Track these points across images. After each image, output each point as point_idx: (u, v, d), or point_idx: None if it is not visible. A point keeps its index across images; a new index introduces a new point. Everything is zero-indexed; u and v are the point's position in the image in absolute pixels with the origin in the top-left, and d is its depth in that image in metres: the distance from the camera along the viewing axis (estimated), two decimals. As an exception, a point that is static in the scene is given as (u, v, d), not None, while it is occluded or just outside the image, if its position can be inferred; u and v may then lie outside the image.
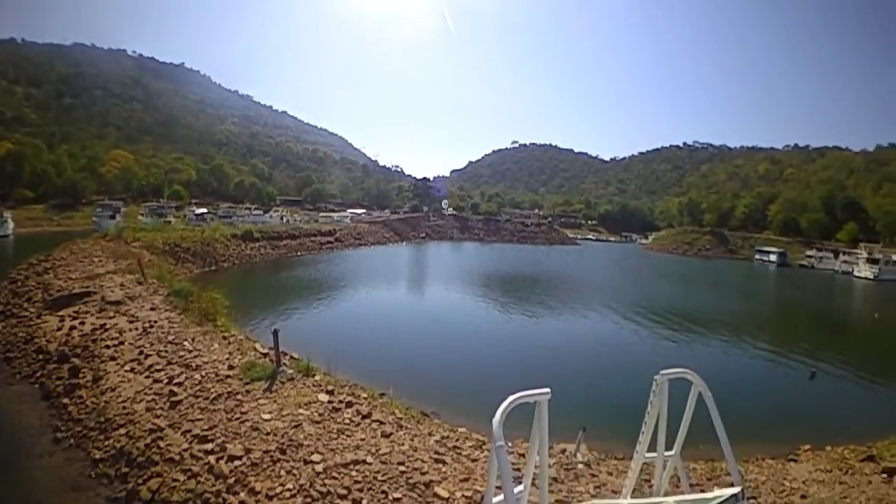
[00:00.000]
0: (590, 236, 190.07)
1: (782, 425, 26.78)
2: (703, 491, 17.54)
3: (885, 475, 20.95)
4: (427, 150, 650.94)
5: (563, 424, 19.81)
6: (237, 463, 14.43)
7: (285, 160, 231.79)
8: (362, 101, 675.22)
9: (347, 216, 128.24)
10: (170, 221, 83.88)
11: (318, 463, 14.37)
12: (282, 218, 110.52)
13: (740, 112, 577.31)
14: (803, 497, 18.68)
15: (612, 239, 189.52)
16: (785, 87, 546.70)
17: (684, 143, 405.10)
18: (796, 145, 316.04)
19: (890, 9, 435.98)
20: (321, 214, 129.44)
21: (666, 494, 7.32)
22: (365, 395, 19.86)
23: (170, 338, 24.30)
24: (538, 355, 36.33)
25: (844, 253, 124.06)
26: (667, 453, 7.26)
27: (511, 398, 5.33)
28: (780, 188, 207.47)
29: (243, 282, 56.78)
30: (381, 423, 17.29)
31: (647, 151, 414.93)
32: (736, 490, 5.12)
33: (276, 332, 21.44)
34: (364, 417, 17.50)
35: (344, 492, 13.32)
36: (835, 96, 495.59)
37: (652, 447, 7.69)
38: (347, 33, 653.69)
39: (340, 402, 18.45)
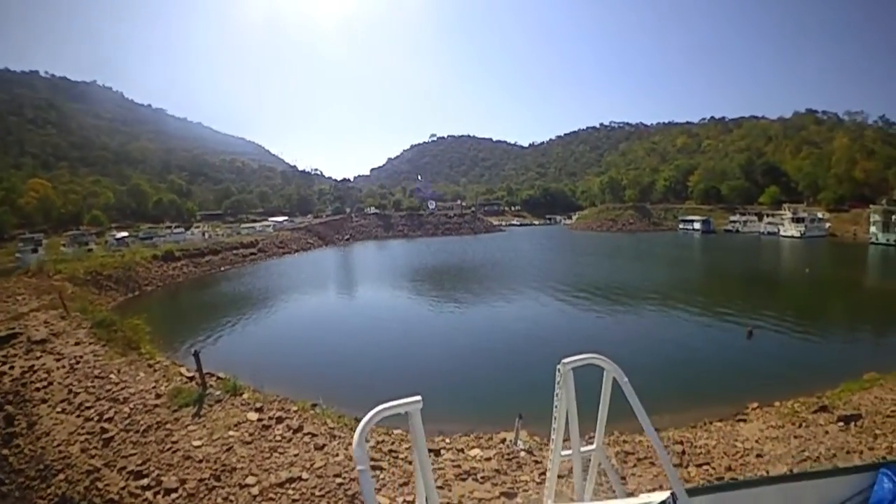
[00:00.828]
0: (514, 222, 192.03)
1: (727, 387, 26.75)
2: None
3: (841, 423, 20.91)
4: (345, 151, 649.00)
5: (501, 413, 20.10)
6: (174, 496, 14.22)
7: (203, 173, 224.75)
8: (276, 106, 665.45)
9: (269, 225, 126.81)
10: (91, 249, 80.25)
11: (253, 486, 14.38)
12: (203, 234, 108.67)
13: (656, 90, 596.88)
14: (759, 456, 18.41)
15: (537, 222, 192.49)
16: (698, 63, 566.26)
17: (601, 124, 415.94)
18: (712, 118, 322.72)
19: None
20: (243, 226, 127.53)
21: (595, 495, 6.81)
22: (295, 408, 19.93)
23: (96, 372, 24.03)
24: (471, 346, 36.22)
25: (768, 215, 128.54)
26: (585, 448, 6.55)
27: (373, 412, 4.32)
28: (698, 159, 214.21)
29: (168, 305, 55.95)
30: (314, 435, 17.41)
31: (565, 134, 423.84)
32: (664, 496, 4.55)
33: (196, 355, 21.48)
34: (296, 432, 17.58)
35: (282, 512, 13.19)
36: (750, 68, 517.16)
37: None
38: (258, 38, 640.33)
39: (270, 418, 18.55)
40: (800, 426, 20.78)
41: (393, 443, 17.61)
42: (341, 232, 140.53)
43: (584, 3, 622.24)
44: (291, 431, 17.47)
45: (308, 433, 17.41)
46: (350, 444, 15.73)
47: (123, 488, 14.64)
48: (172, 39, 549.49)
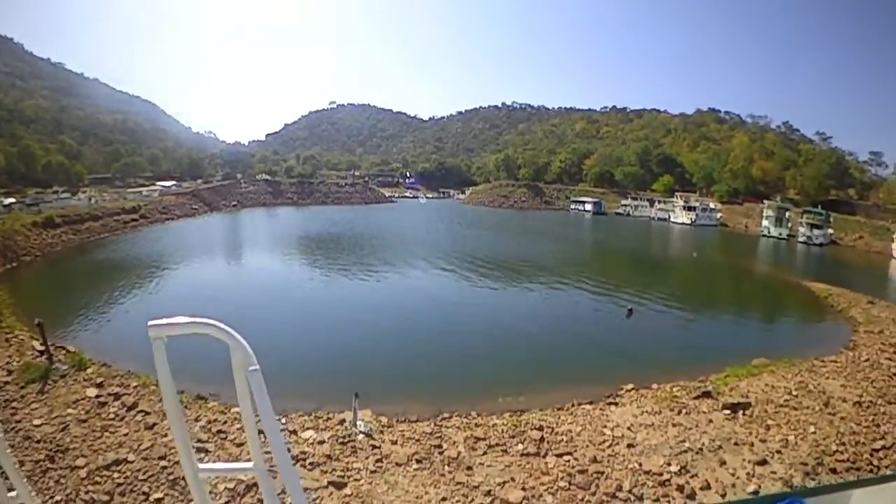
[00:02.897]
0: (407, 194, 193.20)
1: (600, 366, 25.70)
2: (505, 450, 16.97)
3: (727, 411, 20.13)
4: (242, 115, 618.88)
5: (357, 389, 18.70)
6: (8, 481, 10.74)
7: (94, 133, 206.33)
8: (175, 64, 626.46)
9: (157, 190, 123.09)
10: None
11: (82, 468, 14.32)
12: (90, 199, 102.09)
13: (561, 76, 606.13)
14: (630, 446, 17.04)
15: (430, 195, 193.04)
16: (603, 50, 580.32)
17: (503, 104, 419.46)
18: (614, 107, 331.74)
19: None
20: (129, 191, 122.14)
21: None
22: (136, 383, 20.06)
23: (-48, 348, 23.22)
24: (343, 318, 35.01)
25: (660, 201, 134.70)
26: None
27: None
28: (596, 145, 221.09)
29: (46, 275, 51.82)
30: (147, 413, 17.55)
31: (466, 111, 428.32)
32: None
33: (40, 325, 21.80)
34: (129, 409, 17.72)
35: (106, 497, 13.26)
36: (656, 63, 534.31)
37: None
38: None
39: (109, 394, 18.71)
40: (679, 413, 19.57)
41: (225, 422, 17.52)
42: (228, 198, 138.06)
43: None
44: (125, 409, 17.72)
45: (142, 411, 17.62)
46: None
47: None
48: None
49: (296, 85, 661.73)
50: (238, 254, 64.74)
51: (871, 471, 15.65)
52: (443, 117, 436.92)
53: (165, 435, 15.90)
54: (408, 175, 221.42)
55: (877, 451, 16.64)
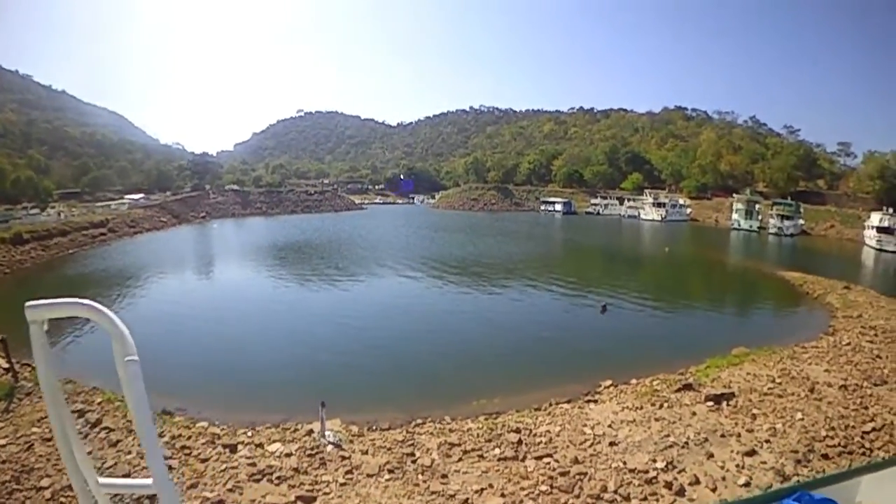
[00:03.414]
0: (377, 200, 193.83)
1: (578, 365, 25.30)
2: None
3: (711, 403, 19.55)
4: (210, 125, 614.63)
5: (311, 400, 18.56)
6: (-25, 504, 13.56)
7: (63, 147, 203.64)
8: (141, 75, 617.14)
9: (125, 203, 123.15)
10: None
11: (47, 488, 14.14)
12: (59, 214, 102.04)
13: (527, 77, 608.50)
14: (613, 444, 16.40)
15: (400, 201, 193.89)
16: (570, 51, 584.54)
17: (471, 107, 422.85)
18: (581, 108, 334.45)
19: None
20: (98, 205, 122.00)
21: None
22: (100, 399, 19.68)
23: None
24: (311, 326, 34.56)
25: (629, 199, 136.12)
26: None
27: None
28: (564, 146, 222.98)
29: (18, 292, 49.52)
30: (111, 430, 17.16)
31: (434, 116, 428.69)
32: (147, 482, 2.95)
33: (4, 342, 21.16)
34: (93, 426, 17.33)
35: (69, 519, 12.69)
36: (623, 63, 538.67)
37: None
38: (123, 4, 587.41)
39: (73, 411, 17.85)
40: (661, 407, 19.02)
41: (190, 437, 17.09)
42: (197, 209, 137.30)
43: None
44: (89, 426, 17.32)
45: (105, 427, 17.23)
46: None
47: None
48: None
49: (263, 94, 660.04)
50: (204, 266, 63.75)
51: (863, 454, 15.26)
52: (411, 123, 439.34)
53: (129, 452, 15.59)
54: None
55: (867, 433, 16.29)
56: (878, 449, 15.52)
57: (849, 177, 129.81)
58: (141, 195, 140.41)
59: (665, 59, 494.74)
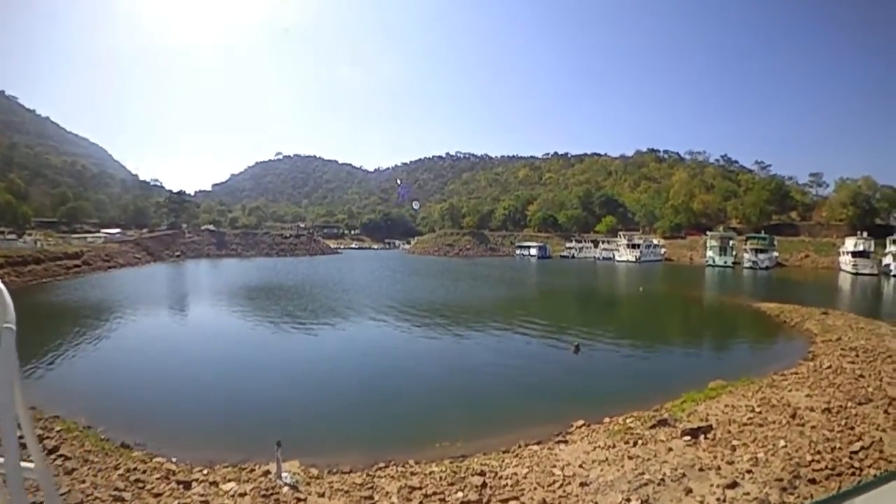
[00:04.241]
0: (353, 245, 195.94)
1: (549, 406, 24.54)
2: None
3: (688, 437, 18.14)
4: (190, 164, 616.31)
5: (272, 441, 17.27)
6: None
7: (43, 174, 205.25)
8: (124, 109, 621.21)
9: (101, 237, 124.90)
10: None
11: None
12: (36, 242, 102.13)
13: (503, 124, 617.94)
14: (584, 485, 15.23)
15: (376, 246, 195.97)
16: (544, 98, 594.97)
17: (447, 154, 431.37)
18: (556, 153, 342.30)
19: (644, 30, 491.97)
20: (75, 236, 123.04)
21: None
22: (60, 427, 19.54)
23: None
24: (277, 367, 33.46)
25: (604, 242, 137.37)
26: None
27: None
28: (539, 191, 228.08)
29: None
30: (68, 458, 16.95)
31: (411, 162, 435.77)
32: None
33: None
34: (50, 453, 16.99)
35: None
36: (596, 108, 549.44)
37: None
38: (117, 40, 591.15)
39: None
40: (635, 444, 17.94)
41: (145, 471, 16.52)
42: (172, 248, 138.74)
43: (436, 37, 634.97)
44: (46, 452, 16.74)
45: (62, 455, 16.90)
46: (101, 469, 16.14)
47: None
48: (32, 24, 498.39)
49: (243, 135, 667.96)
50: (175, 304, 63.20)
51: (853, 474, 14.33)
52: (388, 168, 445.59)
53: (83, 481, 15.27)
54: (399, 181, 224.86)
55: (856, 452, 15.34)
56: (869, 467, 14.59)
57: (821, 206, 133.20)
58: (117, 230, 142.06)
59: (637, 102, 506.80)
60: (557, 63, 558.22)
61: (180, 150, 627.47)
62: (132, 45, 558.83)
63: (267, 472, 16.73)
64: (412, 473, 17.09)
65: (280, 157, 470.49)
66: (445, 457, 18.49)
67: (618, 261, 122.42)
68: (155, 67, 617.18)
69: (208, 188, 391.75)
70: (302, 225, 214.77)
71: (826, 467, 14.61)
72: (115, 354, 36.55)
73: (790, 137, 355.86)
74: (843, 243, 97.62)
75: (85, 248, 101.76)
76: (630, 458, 16.59)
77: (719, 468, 15.15)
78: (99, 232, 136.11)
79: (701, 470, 15.17)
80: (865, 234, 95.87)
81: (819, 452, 15.44)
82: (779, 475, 14.28)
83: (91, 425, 20.35)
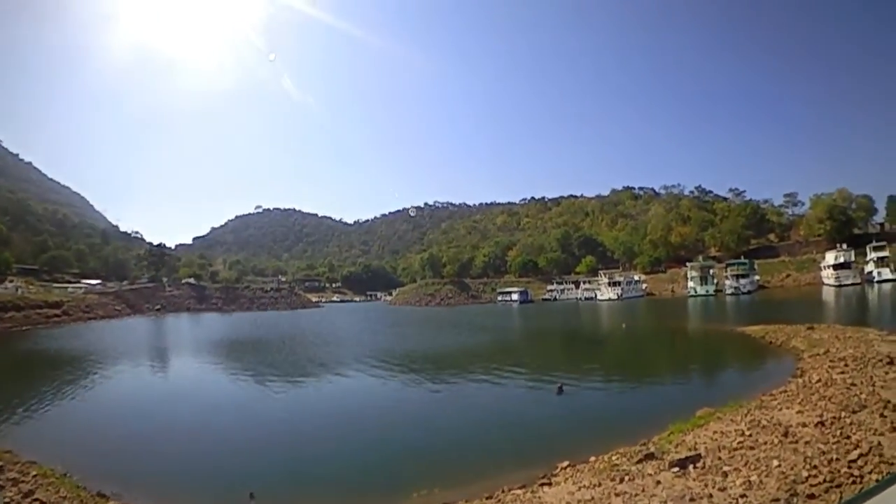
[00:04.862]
0: (334, 298, 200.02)
1: (533, 449, 23.78)
2: None
3: (676, 469, 16.78)
4: (169, 215, 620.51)
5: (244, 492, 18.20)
6: None
7: (25, 221, 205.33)
8: (107, 161, 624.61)
9: (81, 287, 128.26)
10: None
11: None
12: (17, 289, 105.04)
13: (478, 172, 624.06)
14: None
15: (358, 299, 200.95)
16: (519, 145, 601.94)
17: (425, 204, 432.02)
18: (532, 198, 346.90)
19: (611, 70, 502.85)
20: (56, 285, 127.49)
21: None
22: (35, 472, 19.75)
23: None
24: (252, 420, 33.12)
25: (585, 282, 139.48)
26: None
27: None
28: (518, 236, 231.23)
29: None
30: (43, 503, 17.25)
31: (390, 213, 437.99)
32: None
33: None
34: (25, 496, 17.39)
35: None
36: (570, 150, 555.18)
37: None
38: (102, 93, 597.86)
39: (7, 479, 18.67)
40: (622, 481, 16.86)
41: None
42: (152, 301, 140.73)
43: (409, 87, 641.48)
44: (21, 496, 17.41)
45: (37, 499, 17.28)
46: None
47: None
48: (22, 67, 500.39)
49: (222, 188, 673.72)
50: (155, 357, 63.25)
51: (854, 482, 13.45)
52: (367, 220, 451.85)
53: None
54: (335, 280, 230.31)
55: (854, 461, 14.40)
56: (870, 473, 13.69)
57: (798, 225, 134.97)
58: (98, 281, 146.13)
59: (611, 142, 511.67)
60: (528, 107, 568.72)
61: (161, 202, 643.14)
62: (114, 96, 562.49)
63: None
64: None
65: (260, 210, 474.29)
66: (421, 510, 17.67)
67: (600, 300, 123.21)
68: (136, 119, 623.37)
69: (189, 241, 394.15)
70: (283, 279, 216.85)
71: (824, 480, 13.72)
72: (93, 405, 36.93)
73: (762, 162, 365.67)
74: (824, 258, 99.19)
75: (65, 298, 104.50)
76: (617, 494, 15.52)
77: (711, 496, 14.12)
78: (79, 282, 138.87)
79: (692, 500, 14.11)
80: (845, 245, 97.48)
81: (815, 467, 14.55)
82: (774, 495, 13.33)
83: (67, 472, 20.23)
